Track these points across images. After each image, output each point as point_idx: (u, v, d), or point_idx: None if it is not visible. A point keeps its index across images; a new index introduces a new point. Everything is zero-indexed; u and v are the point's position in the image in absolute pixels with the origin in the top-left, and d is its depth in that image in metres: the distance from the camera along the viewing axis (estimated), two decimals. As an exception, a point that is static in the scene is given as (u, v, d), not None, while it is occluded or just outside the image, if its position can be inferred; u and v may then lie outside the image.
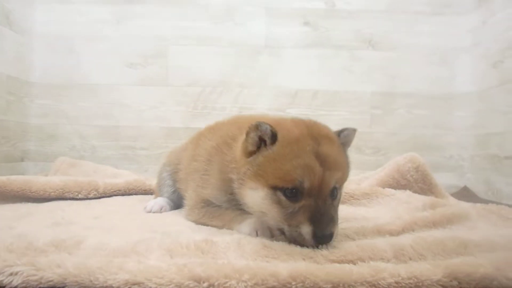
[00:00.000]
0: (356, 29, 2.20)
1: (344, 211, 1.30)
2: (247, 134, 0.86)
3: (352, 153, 2.15)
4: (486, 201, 1.88)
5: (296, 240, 0.81)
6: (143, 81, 2.29)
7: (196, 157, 1.16)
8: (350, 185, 1.60)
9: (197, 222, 1.09)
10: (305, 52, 2.22)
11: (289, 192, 0.81)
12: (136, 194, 1.73)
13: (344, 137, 0.93)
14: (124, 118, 2.30)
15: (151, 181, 1.77)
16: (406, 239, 0.90)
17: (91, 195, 1.59)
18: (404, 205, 1.29)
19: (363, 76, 2.21)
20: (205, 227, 1.05)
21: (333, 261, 0.75)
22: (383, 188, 1.51)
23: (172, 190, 1.39)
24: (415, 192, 1.48)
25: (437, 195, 1.48)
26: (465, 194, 2.10)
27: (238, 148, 0.94)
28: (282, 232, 0.86)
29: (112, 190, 1.66)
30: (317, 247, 0.79)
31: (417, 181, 1.50)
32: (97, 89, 2.31)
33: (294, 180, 0.80)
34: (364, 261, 0.78)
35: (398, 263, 0.79)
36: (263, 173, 0.83)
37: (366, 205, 1.42)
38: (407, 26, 2.19)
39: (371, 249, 0.83)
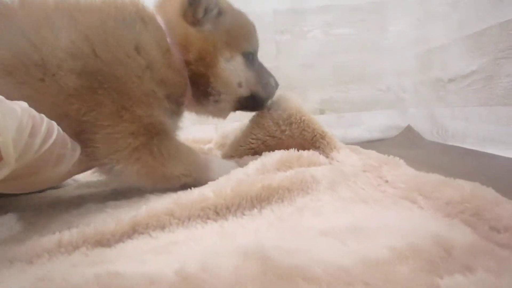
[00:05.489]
0: None
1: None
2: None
3: (256, 97, 1.65)
4: (432, 144, 1.38)
5: (268, 98, 0.94)
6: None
7: None
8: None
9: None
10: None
11: (251, 56, 0.86)
12: None
13: None
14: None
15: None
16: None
17: None
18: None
19: (259, -10, 1.62)
20: None
21: None
22: (241, 156, 0.98)
23: None
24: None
25: (324, 149, 0.93)
26: (408, 137, 1.56)
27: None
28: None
29: None
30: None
31: (293, 137, 0.94)
32: None
33: (254, 43, 0.88)
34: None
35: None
36: (233, 40, 0.82)
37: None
38: None
39: None
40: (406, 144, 1.49)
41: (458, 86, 1.23)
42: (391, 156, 0.76)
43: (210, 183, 0.72)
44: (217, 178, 0.74)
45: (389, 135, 1.61)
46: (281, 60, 1.64)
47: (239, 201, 0.57)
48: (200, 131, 1.65)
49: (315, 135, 0.94)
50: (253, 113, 1.01)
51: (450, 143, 1.29)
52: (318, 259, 0.36)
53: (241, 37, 0.83)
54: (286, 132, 0.94)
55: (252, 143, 0.98)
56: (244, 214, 0.56)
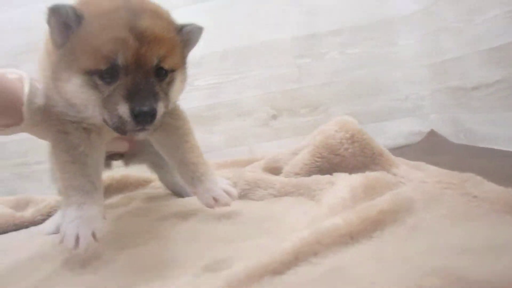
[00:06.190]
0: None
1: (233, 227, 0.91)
2: (48, 23, 0.72)
3: (284, 118, 1.76)
4: (460, 147, 1.49)
5: (120, 128, 0.71)
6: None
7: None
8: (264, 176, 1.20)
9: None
10: (198, 7, 1.73)
11: (104, 74, 0.70)
12: (4, 232, 1.33)
13: (186, 33, 0.80)
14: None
15: (38, 202, 1.48)
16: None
17: None
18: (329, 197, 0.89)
19: (276, 20, 1.73)
20: None
21: None
22: (309, 175, 1.09)
23: None
24: (354, 168, 1.06)
25: (384, 166, 1.05)
26: (433, 141, 1.68)
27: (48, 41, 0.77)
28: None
29: (-32, 237, 1.27)
30: (141, 128, 0.70)
31: (354, 155, 1.07)
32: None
33: (106, 58, 0.69)
34: None
35: None
36: (75, 59, 0.71)
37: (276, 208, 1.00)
38: None
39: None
40: (431, 149, 1.61)
41: (482, 93, 1.35)
42: (467, 173, 0.82)
43: None
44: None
45: (413, 141, 1.74)
46: (303, 81, 1.76)
47: (365, 226, 0.67)
48: (233, 153, 1.76)
49: (374, 153, 1.07)
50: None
51: (481, 145, 1.39)
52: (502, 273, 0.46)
53: (86, 53, 0.70)
54: (349, 150, 1.07)
55: (318, 161, 1.11)
56: (372, 237, 0.67)
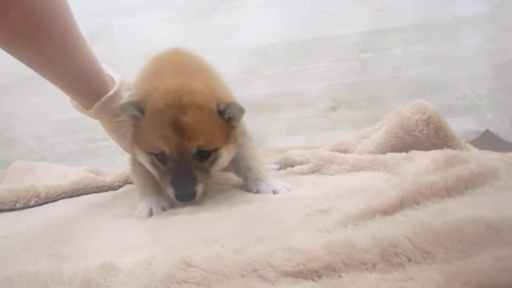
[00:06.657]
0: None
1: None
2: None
3: (343, 110, 1.83)
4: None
5: (172, 200, 0.93)
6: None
7: None
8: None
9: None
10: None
11: (159, 156, 0.90)
12: (87, 193, 1.48)
13: (228, 114, 0.93)
14: (79, 108, 2.00)
15: (106, 175, 1.60)
16: (402, 226, 0.57)
17: (32, 203, 1.35)
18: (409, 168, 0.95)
19: (343, 15, 1.81)
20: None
21: (287, 274, 0.48)
22: (385, 153, 1.16)
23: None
24: (426, 149, 1.10)
25: (455, 148, 1.10)
26: (488, 140, 1.71)
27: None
28: None
29: (56, 194, 1.42)
30: (184, 203, 0.91)
31: (428, 136, 1.13)
32: (44, 81, 1.98)
33: (156, 148, 0.89)
34: (335, 271, 0.49)
35: (389, 270, 0.48)
36: (140, 140, 0.94)
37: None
38: None
39: (346, 250, 0.51)
40: (486, 147, 1.65)
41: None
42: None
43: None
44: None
45: (468, 139, 1.77)
46: (365, 75, 1.83)
47: (459, 184, 0.73)
48: (291, 141, 1.83)
49: (447, 135, 1.13)
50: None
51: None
52: None
53: (142, 140, 0.92)
54: (424, 131, 1.13)
55: (392, 141, 1.17)
56: (464, 194, 0.73)
